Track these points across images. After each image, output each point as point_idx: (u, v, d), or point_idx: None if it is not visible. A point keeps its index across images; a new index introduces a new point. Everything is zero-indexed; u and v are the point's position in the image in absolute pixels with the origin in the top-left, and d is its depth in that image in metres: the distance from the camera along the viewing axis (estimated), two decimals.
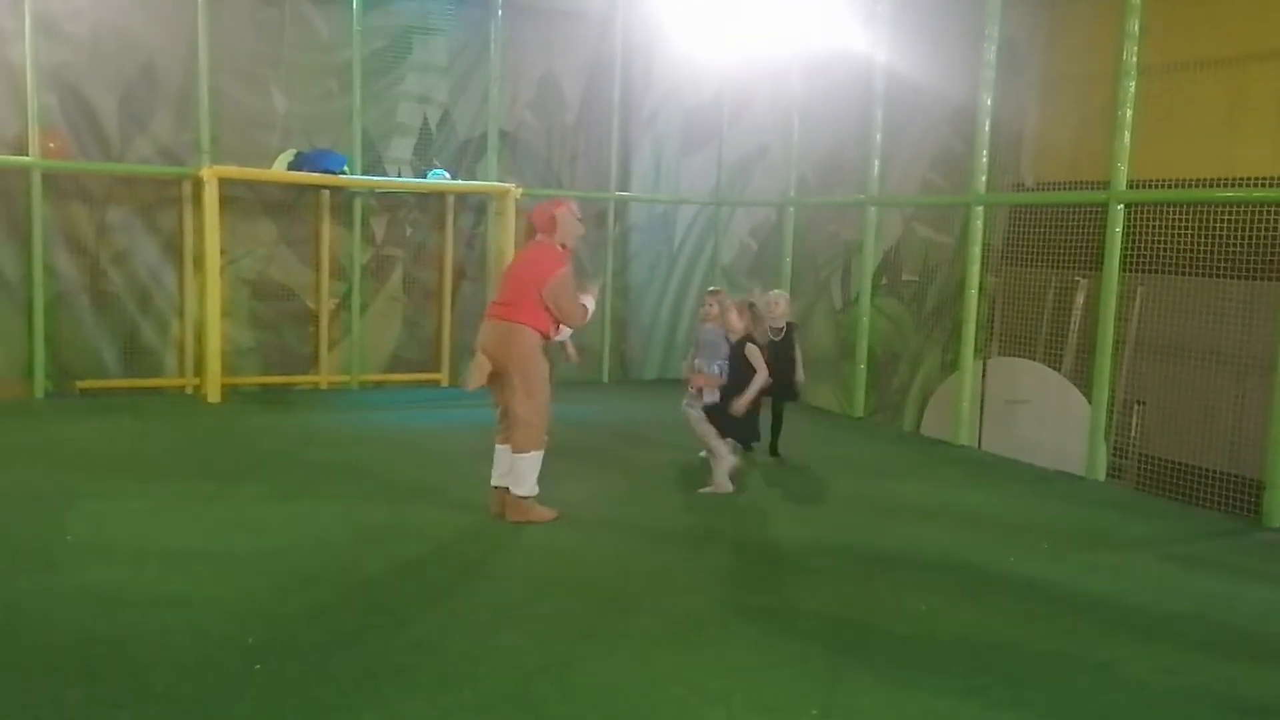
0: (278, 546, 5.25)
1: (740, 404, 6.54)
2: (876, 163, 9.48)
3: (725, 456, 6.69)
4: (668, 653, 4.12)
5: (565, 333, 6.09)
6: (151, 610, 4.34)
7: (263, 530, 5.53)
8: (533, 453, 5.82)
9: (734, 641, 4.27)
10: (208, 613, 4.33)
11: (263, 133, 9.66)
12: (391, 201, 10.34)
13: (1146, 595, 5.07)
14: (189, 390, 9.61)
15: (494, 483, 5.99)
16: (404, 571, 5.00)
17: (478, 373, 5.78)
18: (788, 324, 7.71)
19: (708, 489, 6.67)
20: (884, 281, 9.85)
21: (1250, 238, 6.84)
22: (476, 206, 10.72)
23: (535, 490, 5.89)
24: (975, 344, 8.58)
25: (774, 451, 7.85)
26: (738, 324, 6.73)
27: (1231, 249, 6.93)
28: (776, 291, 8.02)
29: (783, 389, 7.54)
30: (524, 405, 5.75)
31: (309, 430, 8.26)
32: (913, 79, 9.20)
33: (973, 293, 8.49)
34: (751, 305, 6.86)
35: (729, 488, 6.67)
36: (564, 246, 5.95)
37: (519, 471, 5.84)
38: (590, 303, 6.08)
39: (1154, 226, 7.35)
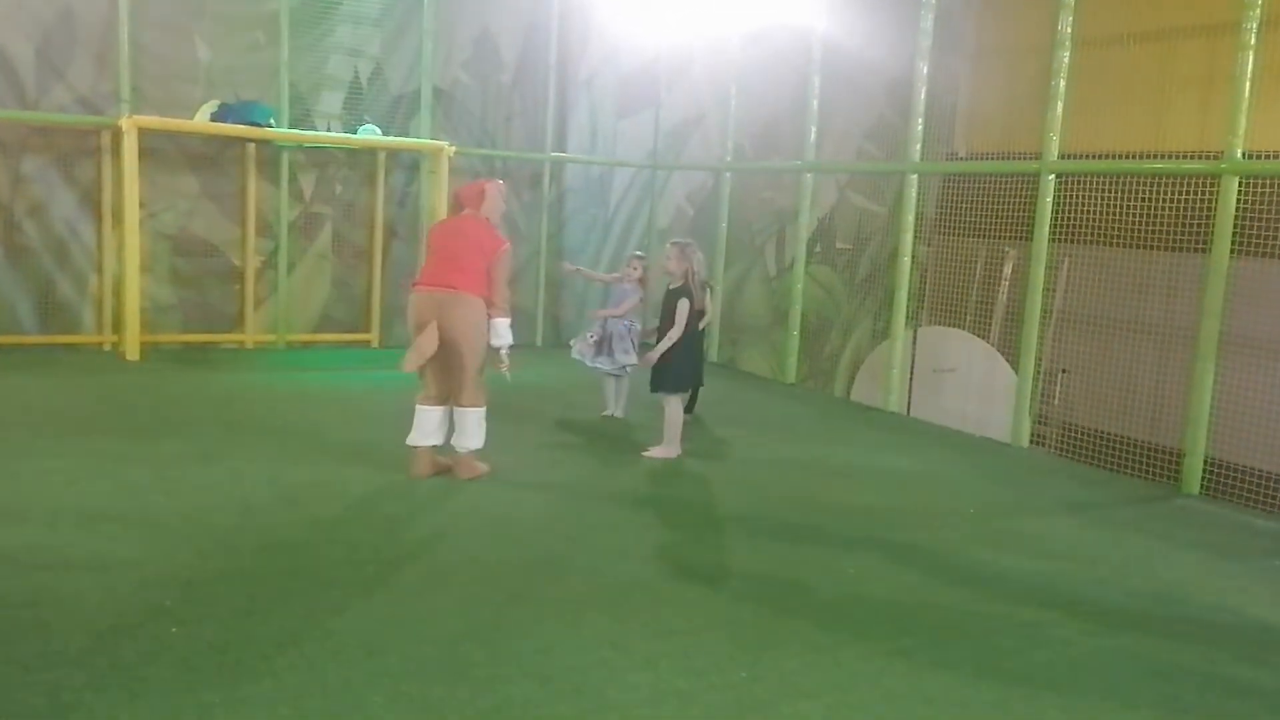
0: (197, 508, 5.12)
1: (649, 358, 6.60)
2: (813, 130, 9.48)
3: (675, 440, 6.72)
4: (596, 616, 4.09)
5: (504, 339, 5.90)
6: (65, 572, 4.20)
7: (182, 491, 5.39)
8: (481, 408, 5.90)
9: (662, 605, 4.25)
10: (123, 575, 4.20)
11: (185, 84, 9.36)
12: (321, 157, 10.10)
13: (1070, 559, 5.17)
14: (107, 348, 9.34)
15: (418, 443, 5.92)
16: (328, 534, 4.90)
17: (426, 348, 5.64)
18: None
19: (652, 453, 6.69)
20: (818, 249, 9.88)
21: (1175, 210, 6.95)
22: (409, 164, 10.52)
23: (480, 443, 5.95)
24: (906, 312, 8.65)
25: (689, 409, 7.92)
26: (677, 268, 6.66)
27: (1157, 221, 7.04)
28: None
29: None
30: (466, 372, 5.80)
31: (232, 390, 8.07)
32: (850, 48, 9.19)
33: (905, 261, 8.55)
34: (687, 245, 6.81)
35: (677, 451, 6.70)
36: (489, 219, 6.03)
37: (469, 427, 5.89)
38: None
39: (1081, 198, 7.44)
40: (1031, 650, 4.03)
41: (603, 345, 7.52)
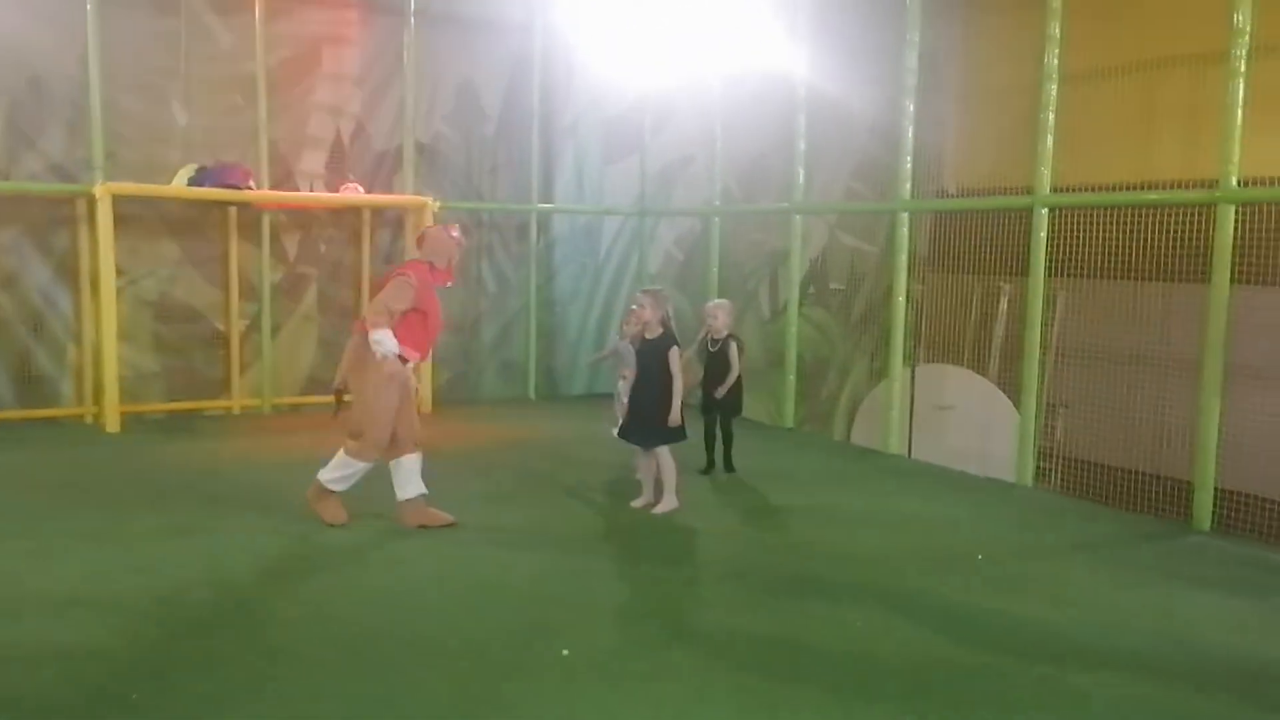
0: (171, 587, 4.89)
1: (674, 416, 6.36)
2: (800, 170, 9.36)
3: (673, 491, 6.53)
4: (593, 686, 3.88)
5: (382, 346, 5.73)
6: (30, 667, 3.98)
7: (155, 570, 5.16)
8: (356, 460, 5.87)
9: (664, 672, 4.04)
10: (91, 667, 3.98)
11: (162, 147, 9.23)
12: (304, 217, 9.97)
13: (1082, 605, 4.96)
14: (88, 420, 9.12)
15: (399, 497, 6.01)
16: (309, 609, 4.68)
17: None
18: (727, 335, 7.49)
19: (655, 509, 6.49)
20: (811, 290, 9.72)
21: (1170, 240, 6.82)
22: (393, 221, 10.39)
23: (339, 486, 5.92)
24: (903, 351, 8.48)
25: (729, 467, 7.69)
26: (653, 316, 6.45)
27: (1149, 252, 6.90)
28: (716, 301, 7.87)
29: (713, 401, 7.45)
30: (356, 411, 5.87)
31: (215, 459, 7.85)
32: (834, 87, 9.10)
33: (900, 300, 8.39)
34: (658, 292, 6.64)
35: (675, 504, 6.50)
36: (432, 264, 6.00)
37: (334, 460, 5.90)
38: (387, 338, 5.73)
39: (1071, 231, 7.30)
40: (1050, 705, 3.83)
41: None
